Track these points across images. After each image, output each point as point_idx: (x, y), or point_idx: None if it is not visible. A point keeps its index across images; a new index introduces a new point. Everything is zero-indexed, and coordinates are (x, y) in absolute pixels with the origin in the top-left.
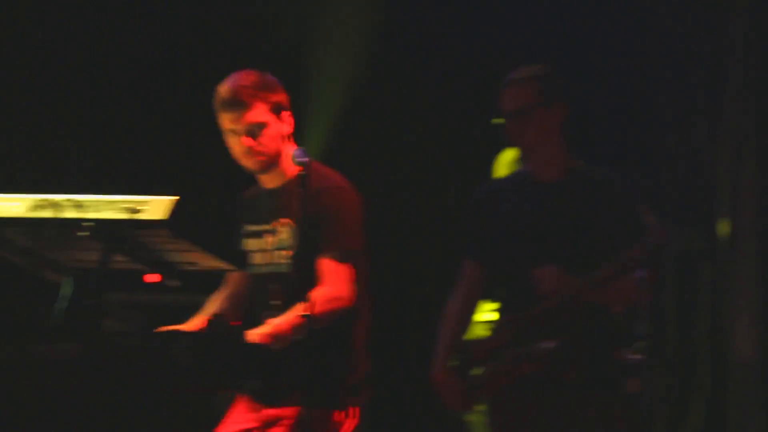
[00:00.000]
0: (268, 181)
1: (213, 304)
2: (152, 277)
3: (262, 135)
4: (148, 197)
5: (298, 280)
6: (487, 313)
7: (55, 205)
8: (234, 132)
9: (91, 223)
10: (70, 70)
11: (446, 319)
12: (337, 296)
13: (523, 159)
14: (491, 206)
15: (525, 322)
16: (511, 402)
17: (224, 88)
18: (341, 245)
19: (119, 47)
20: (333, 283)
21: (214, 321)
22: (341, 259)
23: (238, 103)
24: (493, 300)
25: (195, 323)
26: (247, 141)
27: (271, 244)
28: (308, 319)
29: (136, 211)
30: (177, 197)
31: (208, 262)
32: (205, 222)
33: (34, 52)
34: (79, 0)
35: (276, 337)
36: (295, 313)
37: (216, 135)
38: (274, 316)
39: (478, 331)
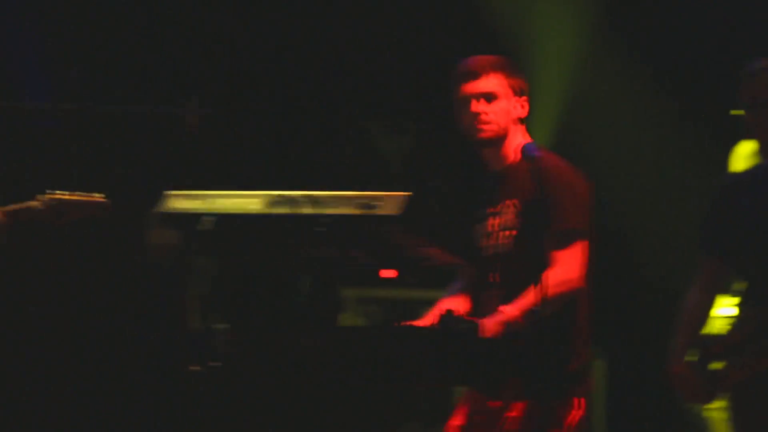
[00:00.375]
0: (492, 162)
1: (447, 299)
2: (388, 273)
3: (493, 105)
4: (382, 193)
5: (521, 261)
6: (724, 307)
7: (292, 202)
8: (466, 99)
9: (328, 219)
10: (299, 70)
11: (685, 313)
12: (567, 278)
13: (762, 151)
14: (731, 200)
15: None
16: (754, 397)
17: (465, 60)
18: (569, 225)
19: (352, 47)
20: (562, 264)
21: (448, 316)
22: (569, 239)
23: (474, 71)
24: (731, 294)
25: (430, 318)
26: (477, 106)
27: (496, 226)
28: (540, 305)
29: (371, 207)
30: (410, 193)
31: (441, 257)
32: (438, 217)
33: (280, 57)
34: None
35: (509, 326)
36: (527, 298)
37: (448, 129)
38: (495, 296)
39: (716, 326)
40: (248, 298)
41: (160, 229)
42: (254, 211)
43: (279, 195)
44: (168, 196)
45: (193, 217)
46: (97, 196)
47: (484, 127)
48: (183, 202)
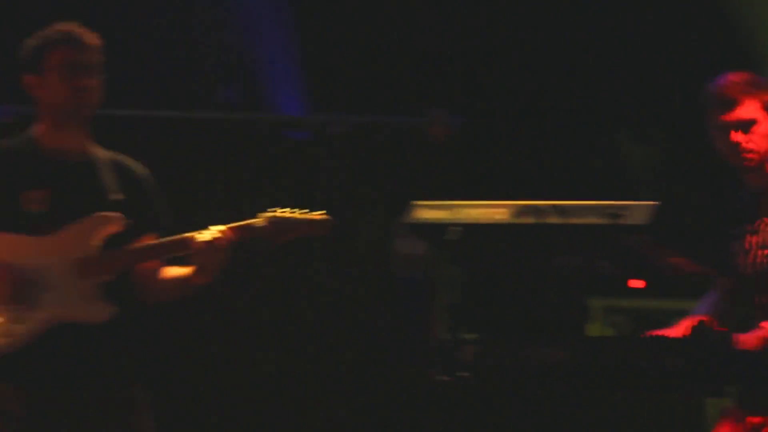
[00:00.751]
0: (754, 181)
1: (700, 309)
2: (637, 283)
3: (752, 132)
4: (629, 202)
5: None
6: None
7: (538, 211)
8: (723, 128)
9: (574, 229)
10: (545, 79)
11: None
12: None
13: None
14: None
15: None
16: None
17: (715, 85)
18: None
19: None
20: None
21: (700, 326)
22: None
23: (728, 99)
24: None
25: (681, 328)
26: (736, 137)
27: (754, 244)
28: None
29: (618, 216)
30: (658, 202)
31: (690, 267)
32: (687, 227)
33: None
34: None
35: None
36: None
37: (696, 138)
38: (760, 317)
39: None
40: (495, 308)
41: (408, 239)
42: (501, 221)
43: (525, 204)
44: (415, 207)
45: (440, 227)
46: (317, 215)
47: (748, 155)
48: (430, 212)
